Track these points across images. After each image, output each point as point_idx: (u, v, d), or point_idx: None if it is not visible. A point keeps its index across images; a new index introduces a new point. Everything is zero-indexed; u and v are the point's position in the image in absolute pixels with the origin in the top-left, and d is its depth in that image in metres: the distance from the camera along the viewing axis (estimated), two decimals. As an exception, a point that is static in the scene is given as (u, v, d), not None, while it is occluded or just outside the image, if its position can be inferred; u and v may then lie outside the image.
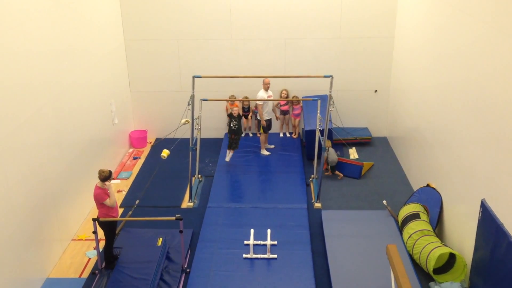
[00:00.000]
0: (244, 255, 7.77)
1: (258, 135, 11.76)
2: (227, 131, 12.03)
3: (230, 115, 10.41)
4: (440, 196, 8.08)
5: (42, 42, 7.39)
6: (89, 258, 7.89)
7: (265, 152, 11.15)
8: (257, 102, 10.71)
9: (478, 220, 6.49)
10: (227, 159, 10.50)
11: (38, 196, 7.22)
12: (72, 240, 8.35)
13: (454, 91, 7.65)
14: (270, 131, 11.29)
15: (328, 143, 10.11)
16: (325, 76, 9.01)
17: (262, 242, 7.98)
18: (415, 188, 9.39)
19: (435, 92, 8.55)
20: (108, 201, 7.19)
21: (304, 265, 7.55)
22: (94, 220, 7.22)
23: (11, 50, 6.53)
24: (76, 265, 7.73)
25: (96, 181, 7.29)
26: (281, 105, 11.68)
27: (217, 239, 8.20)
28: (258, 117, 10.91)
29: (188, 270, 7.51)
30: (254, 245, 7.90)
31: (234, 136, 10.33)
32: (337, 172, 10.30)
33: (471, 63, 7.03)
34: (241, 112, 11.73)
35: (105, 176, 7.17)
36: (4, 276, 6.37)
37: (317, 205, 9.25)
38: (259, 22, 11.21)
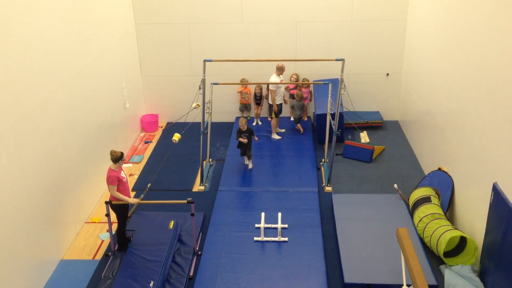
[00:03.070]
0: (255, 238, 7.83)
1: (269, 119, 11.75)
2: (240, 108, 12.05)
3: (238, 131, 9.66)
4: (452, 179, 8.05)
5: (54, 27, 7.42)
6: (102, 240, 8.01)
7: (276, 137, 11.15)
8: (270, 88, 10.66)
9: (490, 203, 6.47)
10: (248, 163, 9.98)
11: (51, 179, 7.32)
12: (86, 222, 8.47)
13: (467, 73, 7.56)
14: (280, 115, 11.26)
15: (298, 94, 11.03)
16: (336, 60, 8.94)
17: (273, 225, 8.03)
18: (427, 171, 9.36)
19: (447, 75, 8.46)
20: (114, 187, 7.19)
21: (315, 248, 7.59)
22: (106, 203, 7.31)
23: (23, 35, 6.57)
24: (89, 247, 7.85)
25: (109, 164, 7.36)
26: (290, 89, 11.64)
27: (228, 222, 8.26)
28: (270, 102, 10.88)
29: (199, 252, 7.60)
30: (265, 228, 7.95)
31: (246, 148, 9.83)
32: (298, 126, 11.19)
33: (485, 45, 6.93)
34: (253, 100, 11.73)
35: (116, 157, 7.21)
36: (21, 257, 6.50)
37: (328, 188, 9.26)
38: (270, 5, 11.12)
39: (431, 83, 9.39)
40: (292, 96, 11.71)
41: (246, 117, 9.91)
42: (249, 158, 9.92)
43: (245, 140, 9.60)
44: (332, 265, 7.34)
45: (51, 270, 7.27)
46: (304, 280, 6.99)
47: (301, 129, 11.35)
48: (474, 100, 7.27)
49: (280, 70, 10.56)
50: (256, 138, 9.90)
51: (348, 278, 6.87)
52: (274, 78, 10.58)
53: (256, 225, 8.08)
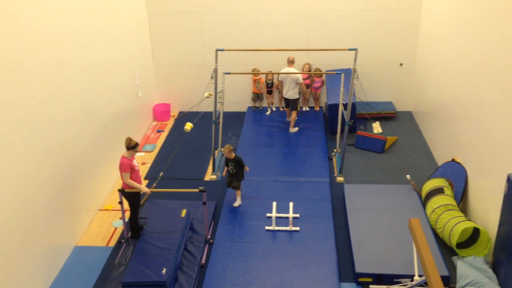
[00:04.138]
0: (266, 227, 7.86)
1: (281, 109, 11.75)
2: (252, 97, 12.00)
3: (226, 160, 8.33)
4: (466, 170, 7.98)
5: (67, 17, 7.45)
6: (115, 228, 8.09)
7: (294, 130, 11.06)
8: (300, 81, 10.56)
9: (504, 194, 6.41)
10: (236, 199, 8.50)
11: (65, 167, 7.39)
12: (99, 210, 8.56)
13: (482, 63, 7.47)
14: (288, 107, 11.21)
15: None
16: (349, 49, 8.89)
17: (284, 215, 8.05)
18: (440, 163, 9.29)
19: (462, 64, 8.36)
20: (127, 174, 7.26)
21: (326, 238, 7.60)
22: (119, 190, 7.38)
23: (36, 25, 6.61)
24: (103, 234, 7.94)
25: (121, 152, 7.41)
26: (303, 79, 11.60)
27: (239, 211, 8.30)
28: (286, 96, 10.78)
29: (211, 241, 7.65)
30: (276, 217, 7.97)
31: (233, 179, 8.40)
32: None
33: (501, 35, 6.83)
34: (265, 90, 11.70)
35: (129, 145, 7.23)
36: (36, 243, 6.60)
37: (340, 179, 9.24)
38: (282, -6, 11.06)
39: (445, 73, 9.29)
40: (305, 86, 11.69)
41: (231, 144, 8.32)
42: (235, 189, 8.40)
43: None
44: (343, 255, 7.35)
45: (65, 256, 7.38)
46: (315, 269, 7.01)
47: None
48: (489, 90, 7.19)
49: (293, 62, 10.52)
50: (246, 169, 8.43)
51: (360, 268, 6.88)
52: (295, 71, 10.51)
53: (268, 215, 8.11)
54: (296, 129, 11.06)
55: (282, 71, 10.55)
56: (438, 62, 9.76)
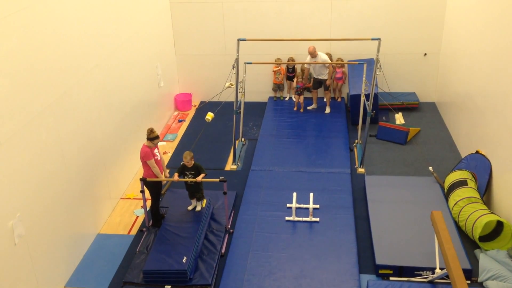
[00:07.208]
0: (287, 218, 7.86)
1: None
2: (273, 88, 11.98)
3: (182, 167, 7.49)
4: (490, 163, 7.84)
5: (90, 6, 7.51)
6: (137, 216, 8.20)
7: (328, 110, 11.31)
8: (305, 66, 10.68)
9: (530, 188, 6.29)
10: (197, 208, 7.81)
11: (89, 155, 7.50)
12: (121, 198, 8.68)
13: (509, 54, 7.29)
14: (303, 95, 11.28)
15: None
16: (372, 39, 8.77)
17: (305, 206, 8.04)
18: (464, 155, 9.14)
19: (488, 55, 8.17)
20: (152, 162, 7.34)
21: (346, 229, 7.57)
22: (141, 179, 7.46)
23: (59, 14, 6.68)
24: (125, 222, 8.05)
25: (143, 141, 7.48)
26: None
27: (260, 201, 8.31)
28: (325, 78, 10.93)
29: (231, 230, 7.69)
30: (297, 208, 7.97)
31: (194, 190, 7.68)
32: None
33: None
34: (285, 77, 11.65)
35: (148, 136, 7.31)
36: (60, 231, 6.73)
37: (361, 170, 9.17)
38: (305, -17, 10.96)
39: (471, 64, 9.10)
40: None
41: (191, 151, 7.54)
42: (198, 199, 7.77)
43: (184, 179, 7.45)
44: (363, 246, 7.32)
45: (88, 244, 7.51)
46: (335, 260, 7.00)
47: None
48: (516, 81, 7.03)
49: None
50: (201, 176, 7.44)
51: (380, 260, 6.84)
52: (323, 55, 10.66)
53: (288, 205, 8.10)
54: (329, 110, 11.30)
55: (318, 60, 10.54)
56: (464, 52, 9.56)
